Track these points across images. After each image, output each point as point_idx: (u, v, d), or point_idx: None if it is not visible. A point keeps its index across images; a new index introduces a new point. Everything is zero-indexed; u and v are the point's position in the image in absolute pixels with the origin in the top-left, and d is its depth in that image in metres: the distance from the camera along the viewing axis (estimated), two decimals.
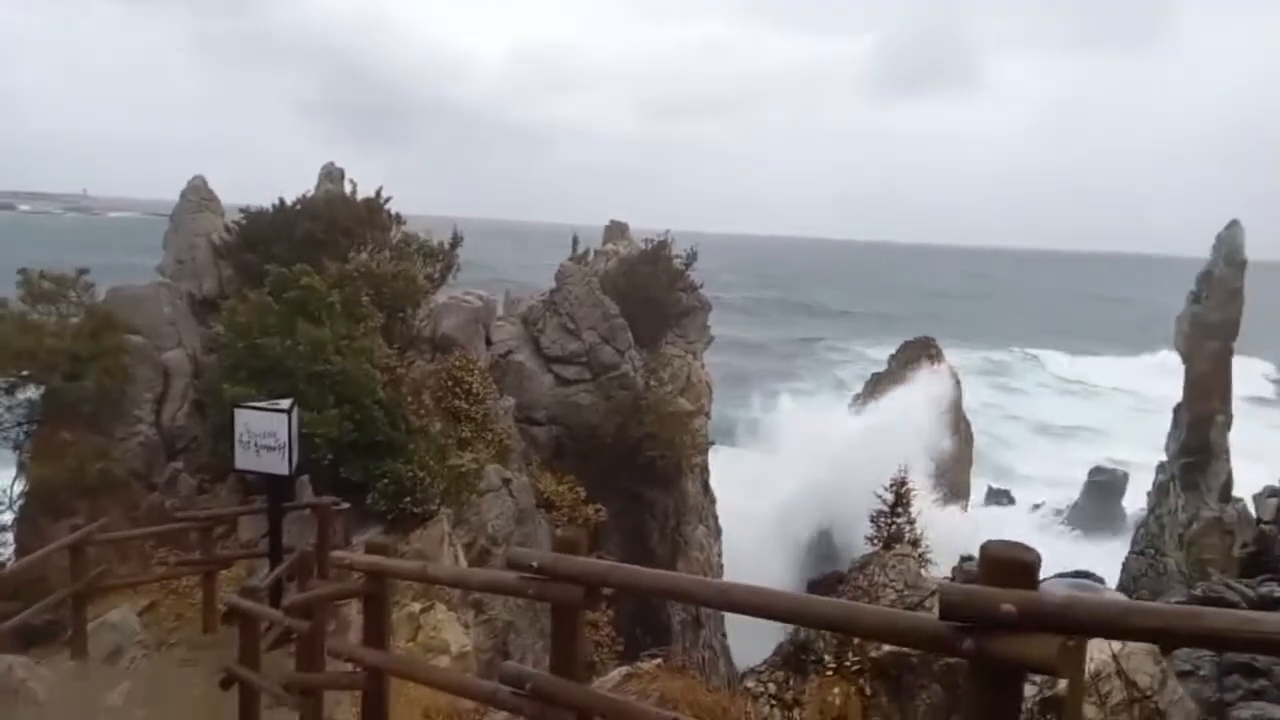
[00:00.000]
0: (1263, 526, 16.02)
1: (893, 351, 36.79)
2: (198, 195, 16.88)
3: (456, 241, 17.41)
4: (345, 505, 10.73)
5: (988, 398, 50.10)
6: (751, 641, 15.09)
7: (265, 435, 8.62)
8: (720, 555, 23.47)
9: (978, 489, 37.09)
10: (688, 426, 20.72)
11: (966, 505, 34.94)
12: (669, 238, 24.31)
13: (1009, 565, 2.52)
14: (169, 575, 10.41)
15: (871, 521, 12.44)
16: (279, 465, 8.67)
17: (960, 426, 34.68)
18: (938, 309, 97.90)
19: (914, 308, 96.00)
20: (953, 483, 33.53)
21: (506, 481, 15.21)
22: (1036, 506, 37.36)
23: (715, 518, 23.56)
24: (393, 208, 17.17)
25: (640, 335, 21.50)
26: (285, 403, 8.93)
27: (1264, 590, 14.36)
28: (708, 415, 23.68)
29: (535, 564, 4.01)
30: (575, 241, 24.13)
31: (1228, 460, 21.24)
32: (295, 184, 17.91)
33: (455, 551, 12.78)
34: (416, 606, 10.46)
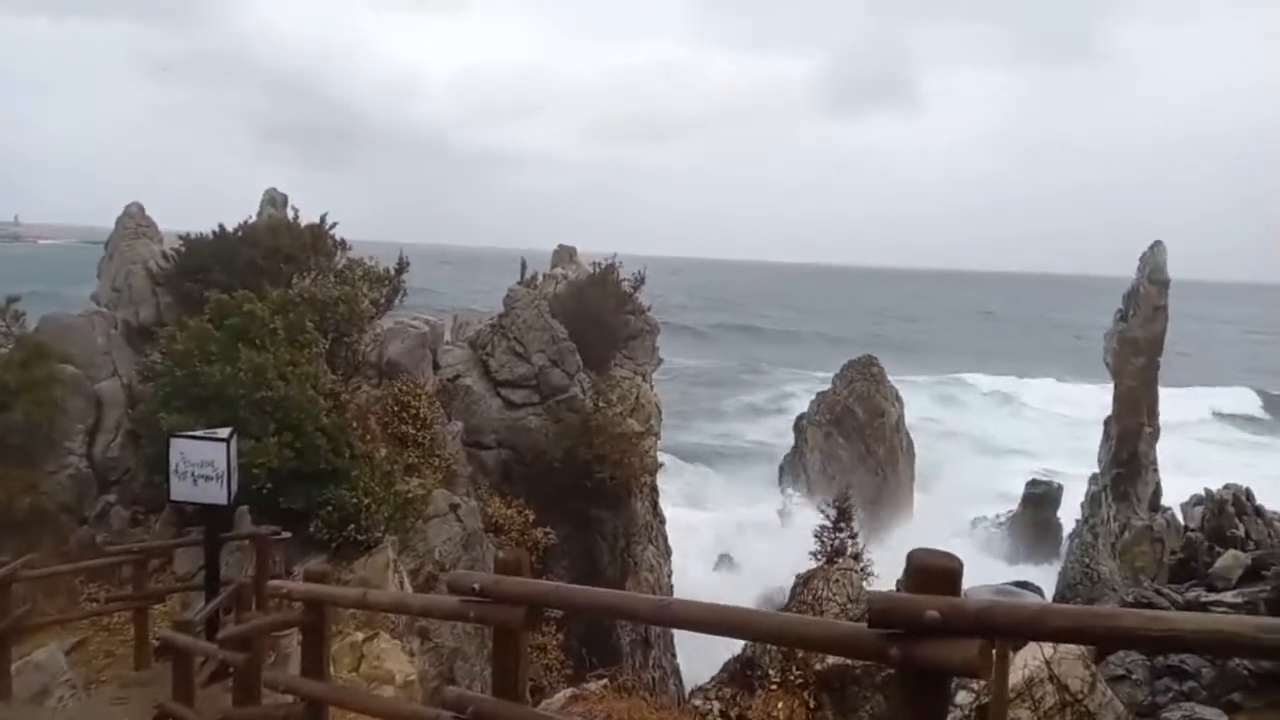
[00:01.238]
0: (1190, 534, 16.63)
1: (836, 371, 37.43)
2: (134, 222, 16.55)
3: (402, 267, 17.32)
4: (286, 535, 10.54)
5: (928, 415, 51.11)
6: (703, 660, 15.14)
7: (202, 465, 8.46)
8: (670, 575, 23.49)
9: (920, 503, 37.78)
10: (637, 448, 20.77)
11: (910, 519, 35.58)
12: (616, 261, 24.46)
13: (933, 572, 2.63)
14: (99, 611, 10.09)
15: (815, 537, 12.63)
16: (217, 495, 8.51)
17: (903, 443, 35.38)
18: (881, 330, 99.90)
19: (858, 329, 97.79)
20: (896, 497, 34.15)
21: (454, 506, 15.07)
22: (977, 520, 38.18)
23: (665, 538, 23.60)
24: (338, 233, 17.04)
25: (589, 358, 21.55)
26: (223, 431, 8.78)
27: (1191, 595, 14.89)
28: (657, 436, 23.77)
29: (476, 586, 4.03)
30: (524, 266, 24.14)
31: (1156, 471, 22.07)
32: (240, 208, 17.73)
33: (400, 578, 12.61)
34: (359, 635, 10.29)
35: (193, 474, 8.49)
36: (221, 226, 16.11)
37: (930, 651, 2.52)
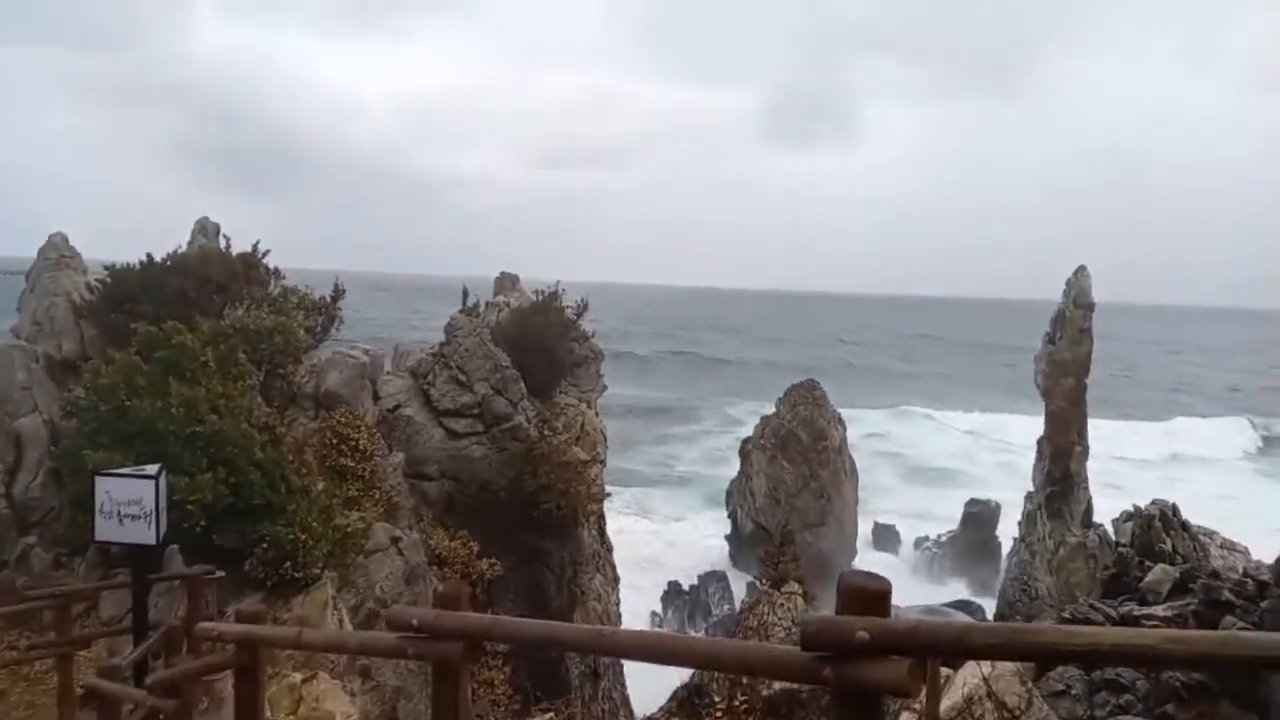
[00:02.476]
0: (1121, 549, 17.14)
1: (780, 395, 37.88)
2: (57, 252, 16.01)
3: (338, 295, 17.06)
4: (219, 574, 10.20)
5: (870, 439, 52.01)
6: (653, 687, 15.04)
7: (129, 503, 8.16)
8: (619, 604, 23.35)
9: (864, 524, 38.32)
10: (583, 476, 20.67)
11: (855, 541, 36.02)
12: (559, 288, 24.46)
13: (863, 594, 2.69)
14: (20, 660, 9.60)
15: (761, 562, 12.69)
16: (145, 535, 8.21)
17: (846, 466, 35.87)
18: (823, 355, 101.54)
19: (802, 355, 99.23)
20: (840, 520, 34.54)
21: (395, 540, 14.77)
22: (921, 540, 38.87)
23: (613, 566, 23.47)
24: (272, 261, 16.73)
25: (533, 386, 21.43)
26: (152, 468, 8.50)
27: (1124, 610, 15.34)
28: (603, 463, 23.69)
29: (415, 622, 3.96)
30: (465, 293, 23.98)
31: (1087, 488, 22.78)
32: (171, 237, 17.29)
33: (340, 616, 12.29)
34: (298, 676, 9.98)
35: (119, 513, 8.18)
36: (149, 256, 15.69)
37: (862, 672, 2.56)
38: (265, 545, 11.79)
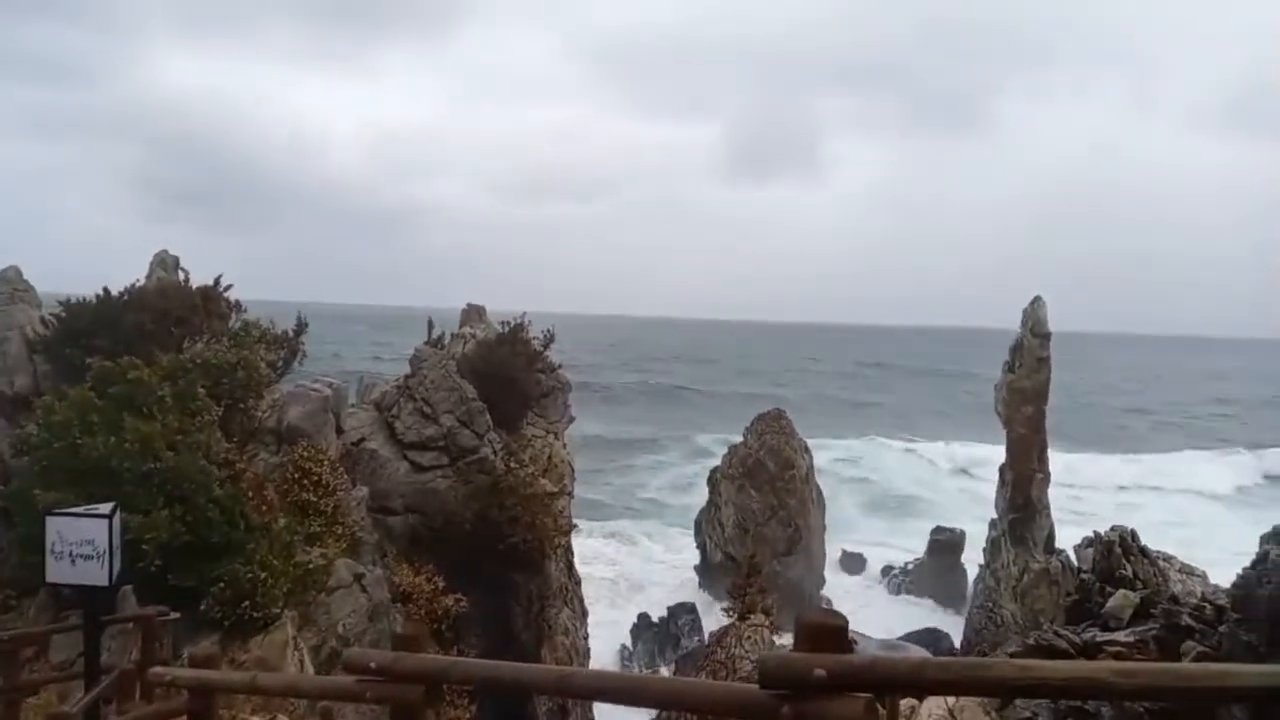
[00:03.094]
0: (1083, 576, 17.31)
1: (747, 424, 38.03)
2: (10, 286, 15.69)
3: (301, 328, 16.88)
4: (175, 615, 9.94)
5: (836, 467, 52.33)
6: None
7: (81, 543, 7.94)
8: (587, 637, 23.10)
9: (832, 553, 38.42)
10: (550, 508, 20.52)
11: (823, 569, 36.06)
12: (525, 320, 24.44)
13: (821, 630, 2.70)
14: None
15: (727, 595, 12.65)
16: (97, 576, 7.98)
17: (813, 494, 36.00)
18: (787, 384, 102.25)
19: (766, 384, 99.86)
20: (808, 548, 34.59)
21: (359, 576, 14.52)
22: (888, 568, 39.03)
23: (581, 599, 23.25)
24: (234, 294, 16.54)
25: (499, 418, 21.30)
26: (105, 507, 8.28)
27: (1087, 636, 15.47)
28: (570, 495, 23.56)
29: (373, 665, 3.90)
30: (430, 325, 23.85)
31: (1049, 514, 23.09)
32: (130, 271, 17.04)
33: (301, 656, 12.02)
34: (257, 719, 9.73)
35: (71, 553, 7.95)
36: (106, 290, 15.43)
37: (819, 709, 2.57)
38: (223, 584, 11.53)
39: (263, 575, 11.77)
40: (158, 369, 12.45)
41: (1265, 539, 15.11)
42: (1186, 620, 13.85)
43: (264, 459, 14.97)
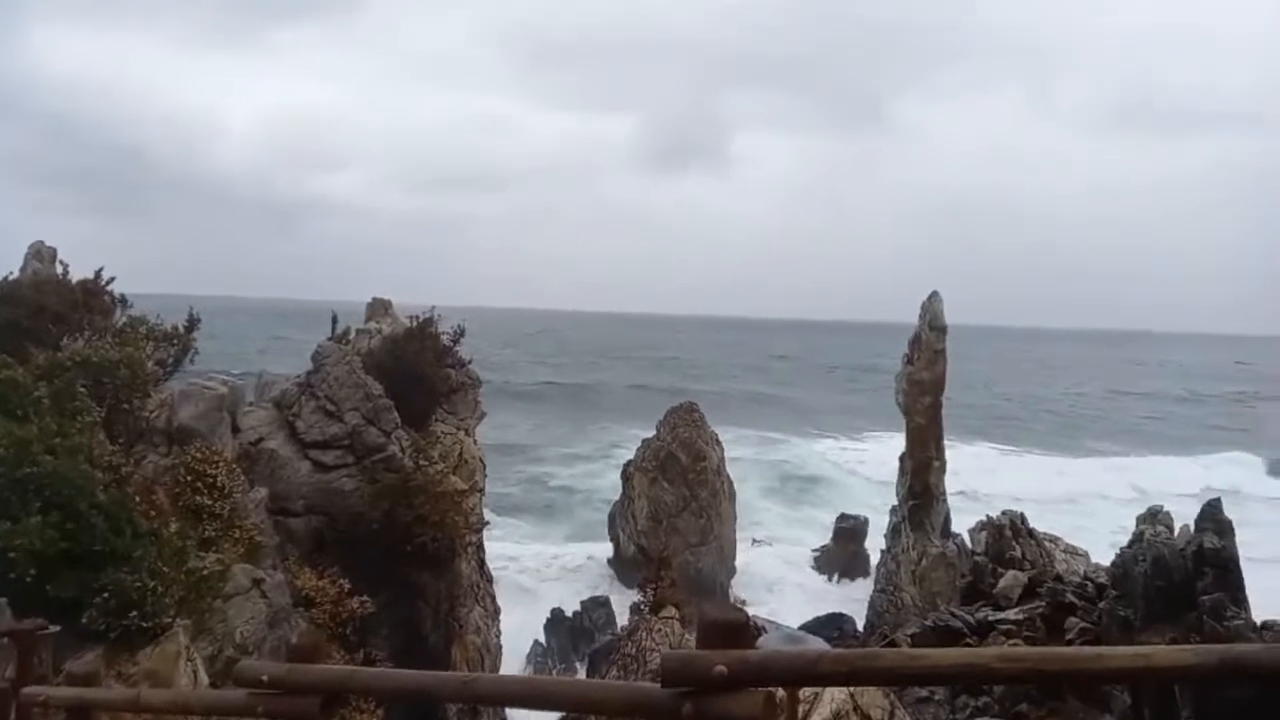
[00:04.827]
0: (976, 558, 18.17)
1: (659, 419, 38.35)
2: None
3: (193, 324, 16.12)
4: (54, 629, 9.35)
5: (743, 459, 53.22)
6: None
7: None
8: (499, 635, 22.87)
9: (742, 542, 39.20)
10: (461, 506, 20.21)
11: (734, 559, 36.71)
12: (435, 314, 23.95)
13: (722, 627, 2.72)
14: None
15: (638, 588, 12.71)
16: None
17: (724, 486, 36.60)
18: (698, 377, 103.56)
19: (677, 377, 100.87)
20: (720, 539, 35.17)
21: (257, 582, 13.98)
22: (795, 557, 40.07)
23: (493, 597, 23.00)
24: (120, 288, 15.67)
25: (408, 415, 20.81)
26: None
27: (980, 615, 16.24)
28: (482, 492, 23.25)
29: (265, 677, 3.74)
30: (334, 320, 23.12)
31: (945, 500, 24.11)
32: (5, 262, 15.89)
33: (194, 667, 11.49)
34: None
35: None
36: None
37: (720, 707, 2.59)
38: (107, 594, 10.91)
39: (152, 583, 11.20)
40: (33, 368, 11.68)
41: (1140, 519, 16.15)
42: (1070, 598, 14.70)
43: (153, 461, 14.26)
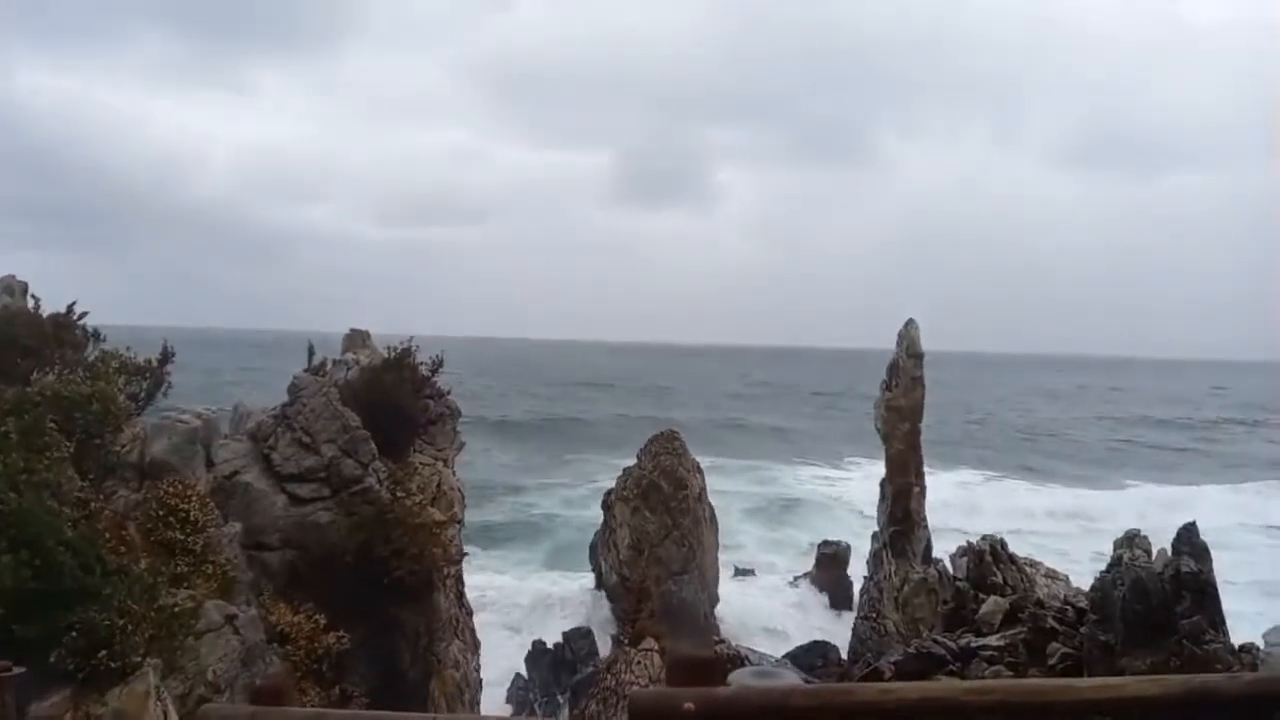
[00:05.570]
0: (958, 584, 18.14)
1: (640, 447, 38.21)
2: None
3: (167, 357, 15.93)
4: (19, 669, 9.11)
5: (726, 486, 53.13)
6: None
7: None
8: (479, 669, 22.55)
9: (725, 570, 39.01)
10: (439, 538, 20.00)
11: (717, 587, 36.47)
12: (413, 345, 23.84)
13: (691, 664, 2.69)
14: None
15: (616, 620, 12.59)
16: None
17: (706, 514, 36.43)
18: (678, 405, 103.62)
19: (656, 407, 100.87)
20: (702, 567, 34.94)
21: (230, 618, 13.73)
22: (778, 584, 39.90)
23: (472, 630, 22.71)
24: (95, 321, 15.49)
25: (385, 446, 20.63)
26: None
27: (963, 642, 16.16)
28: (461, 523, 23.03)
29: None
30: (311, 351, 22.95)
31: (926, 526, 24.15)
32: None
33: (165, 707, 11.23)
34: None
35: None
36: None
37: None
38: (75, 634, 10.66)
39: (121, 621, 10.95)
40: (1, 403, 11.49)
41: (1118, 544, 16.22)
42: (1051, 623, 14.68)
43: (124, 496, 14.03)
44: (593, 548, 37.93)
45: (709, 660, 2.64)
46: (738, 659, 16.66)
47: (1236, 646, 13.20)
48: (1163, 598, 13.44)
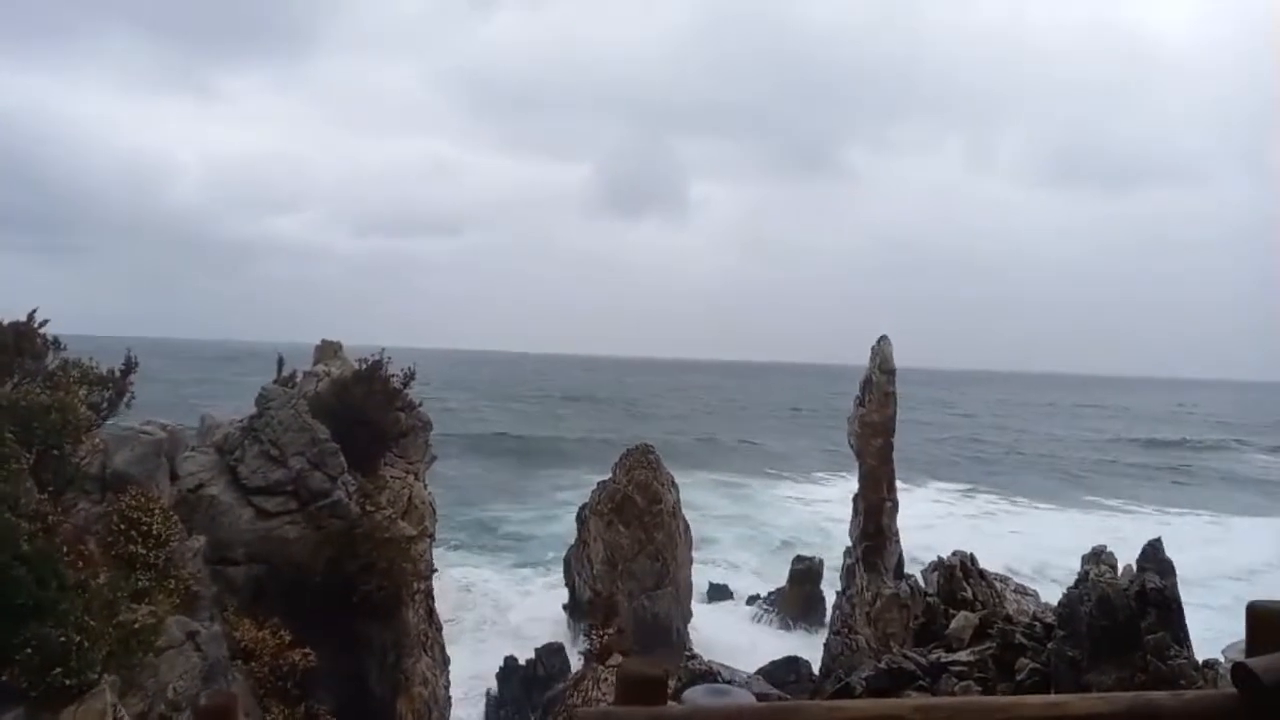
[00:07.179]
0: (929, 599, 18.17)
1: (615, 461, 38.10)
2: None
3: (130, 367, 15.65)
4: None
5: (699, 500, 53.13)
6: None
7: None
8: (448, 686, 22.26)
9: (700, 584, 38.92)
10: (409, 552, 19.76)
11: (690, 602, 36.35)
12: (385, 357, 23.64)
13: (639, 682, 2.65)
14: None
15: (585, 636, 12.50)
16: None
17: (679, 528, 36.32)
18: (654, 420, 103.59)
19: (627, 420, 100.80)
20: (676, 581, 34.80)
21: (192, 634, 13.46)
22: (753, 598, 39.83)
23: (441, 646, 22.42)
24: (55, 330, 15.16)
25: (355, 459, 20.40)
26: None
27: (933, 657, 16.19)
28: (431, 538, 22.79)
29: None
30: (280, 362, 22.67)
31: (898, 541, 24.21)
32: None
33: None
34: None
35: None
36: None
37: None
38: (30, 650, 10.40)
39: (78, 638, 10.71)
40: None
41: (1085, 559, 16.35)
42: (1019, 638, 14.74)
43: (85, 509, 13.73)
44: (566, 562, 37.69)
45: (659, 679, 2.60)
46: (709, 675, 16.59)
47: (1201, 662, 13.34)
48: (1129, 613, 13.55)
